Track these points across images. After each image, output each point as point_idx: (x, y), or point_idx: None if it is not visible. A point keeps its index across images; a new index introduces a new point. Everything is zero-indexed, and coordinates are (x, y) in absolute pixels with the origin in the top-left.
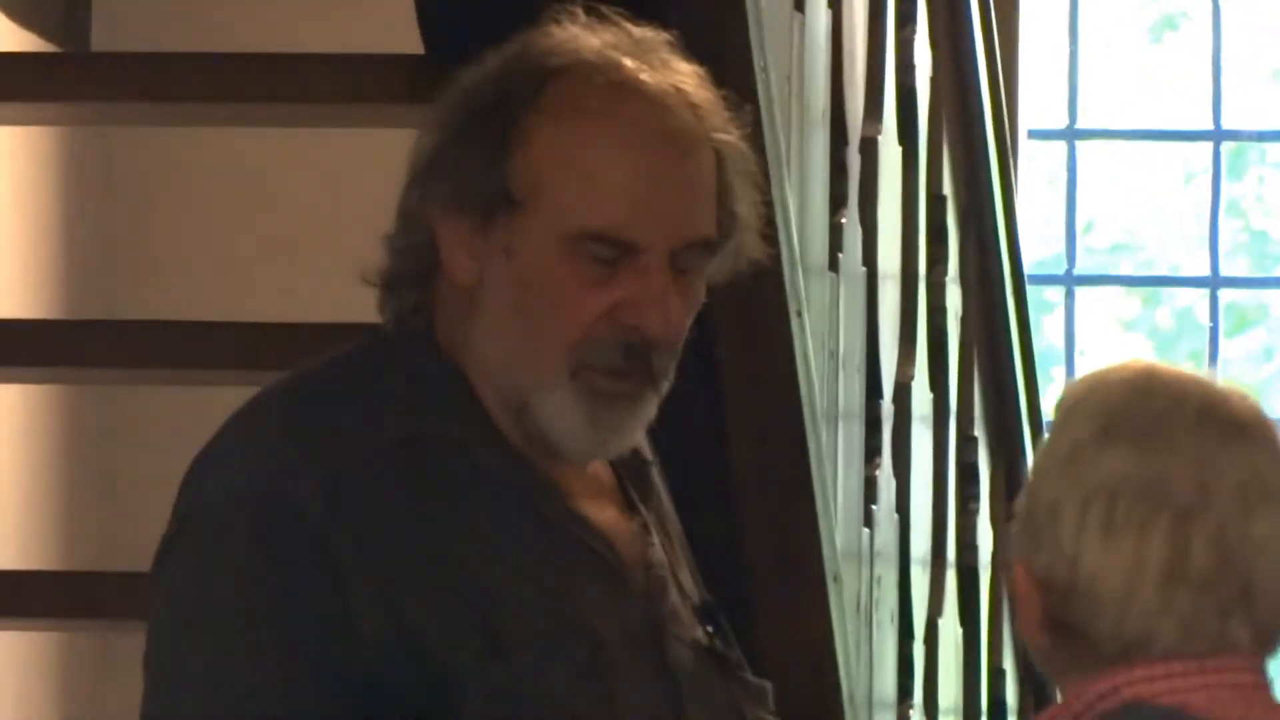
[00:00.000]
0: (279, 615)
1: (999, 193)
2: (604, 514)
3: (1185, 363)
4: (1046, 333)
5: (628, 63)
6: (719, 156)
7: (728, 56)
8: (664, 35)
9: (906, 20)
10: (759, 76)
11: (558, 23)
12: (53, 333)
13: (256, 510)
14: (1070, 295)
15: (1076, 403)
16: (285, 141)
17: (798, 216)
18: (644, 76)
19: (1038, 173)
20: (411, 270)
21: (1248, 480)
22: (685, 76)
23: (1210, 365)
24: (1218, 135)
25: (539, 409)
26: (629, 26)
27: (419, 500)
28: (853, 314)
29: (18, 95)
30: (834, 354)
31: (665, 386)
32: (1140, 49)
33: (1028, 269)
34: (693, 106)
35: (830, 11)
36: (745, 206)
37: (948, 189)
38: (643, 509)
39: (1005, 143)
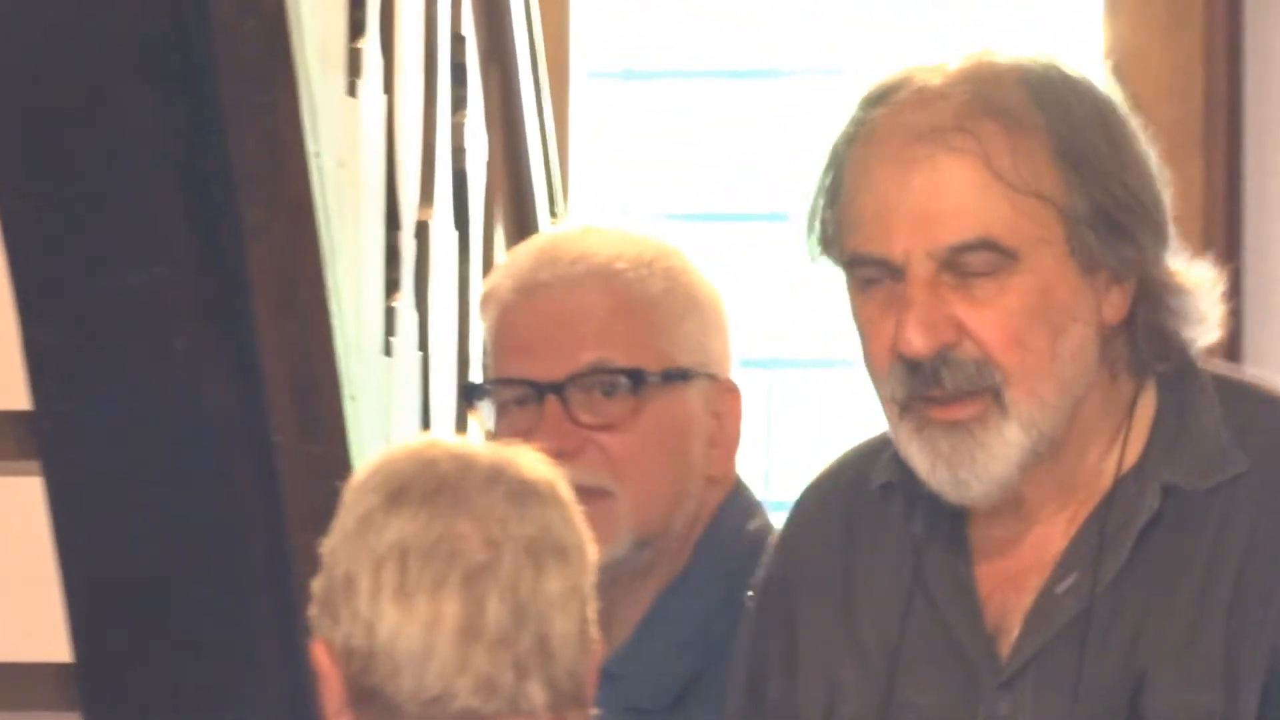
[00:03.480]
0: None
1: None
2: (1012, 589)
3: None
4: None
5: (915, 75)
6: (990, 146)
7: (281, 141)
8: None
9: (460, 105)
10: (312, 162)
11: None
12: None
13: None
14: None
15: (364, 480)
16: None
17: (352, 302)
18: (918, 80)
19: None
20: None
21: (538, 537)
22: (967, 72)
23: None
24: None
25: (902, 453)
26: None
27: (846, 553)
28: (408, 399)
29: None
30: (389, 439)
31: (1016, 408)
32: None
33: None
34: (950, 100)
35: (385, 96)
36: (1060, 188)
37: None
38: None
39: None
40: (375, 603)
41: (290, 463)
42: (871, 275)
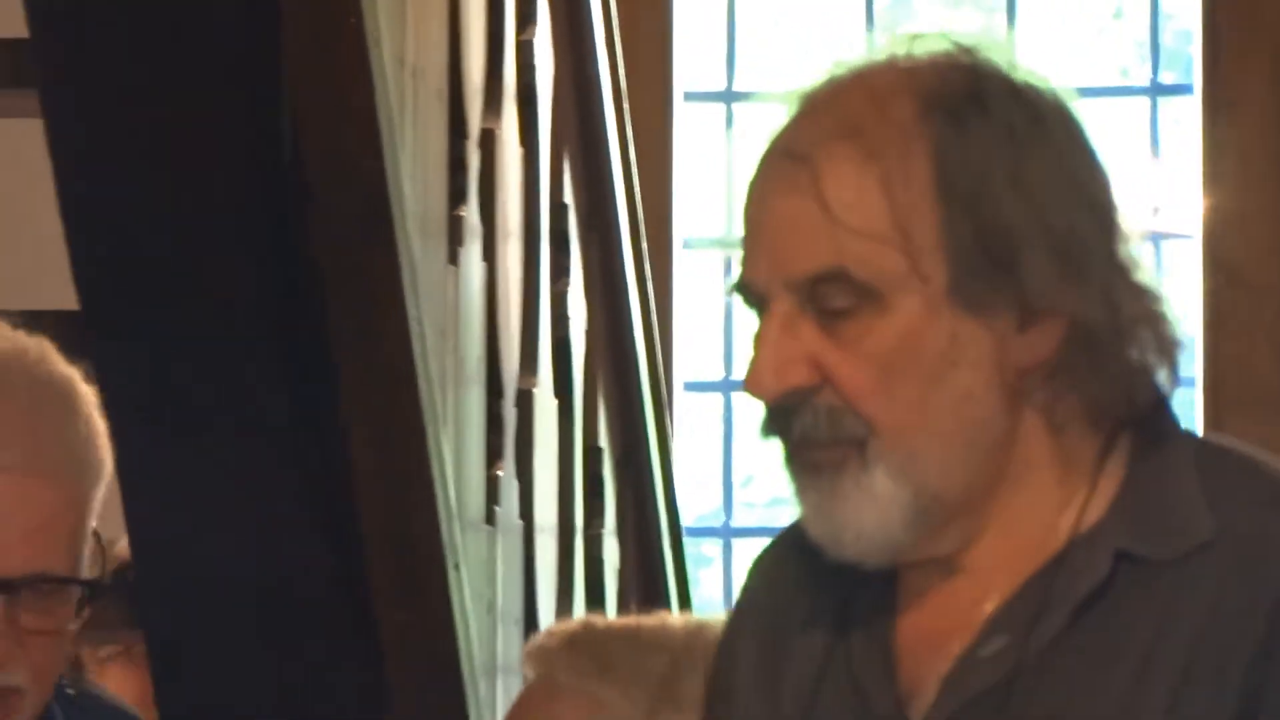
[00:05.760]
0: None
1: (655, 445)
2: (932, 649)
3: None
4: (705, 586)
5: (811, 85)
6: (831, 179)
7: (382, 309)
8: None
9: (561, 273)
10: (414, 329)
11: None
12: None
13: None
14: (728, 548)
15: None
16: None
17: (454, 470)
18: (809, 92)
19: (695, 425)
20: None
21: None
22: (847, 84)
23: None
24: None
25: None
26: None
27: (784, 617)
28: (511, 567)
29: None
30: (492, 607)
31: (882, 461)
32: None
33: (686, 522)
34: (813, 118)
35: (484, 264)
36: (933, 219)
37: (604, 441)
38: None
39: (661, 395)
40: None
41: (393, 631)
42: (753, 303)
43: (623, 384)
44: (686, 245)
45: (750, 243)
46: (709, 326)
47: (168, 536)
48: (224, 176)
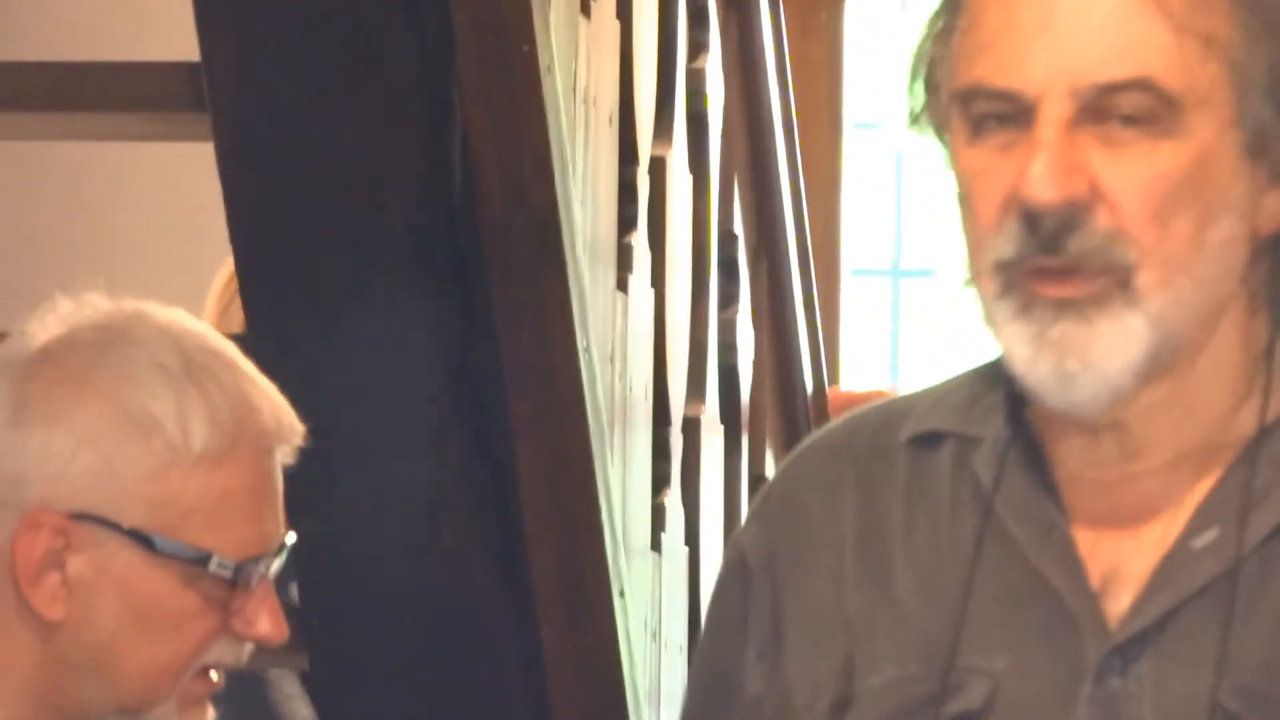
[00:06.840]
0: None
1: None
2: (1124, 541)
3: None
4: None
5: None
6: None
7: (550, 336)
8: None
9: (729, 301)
10: (582, 357)
11: None
12: None
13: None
14: None
15: None
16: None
17: (620, 497)
18: None
19: None
20: None
21: None
22: None
23: None
24: None
25: (1001, 346)
26: None
27: (865, 512)
28: (675, 595)
29: None
30: (656, 634)
31: (1146, 298)
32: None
33: None
34: None
35: (653, 291)
36: (1235, 38)
37: (770, 470)
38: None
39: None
40: None
41: (558, 657)
42: (991, 111)
43: (789, 413)
44: (854, 274)
45: (1022, 38)
46: (877, 356)
47: (333, 555)
48: (396, 203)
